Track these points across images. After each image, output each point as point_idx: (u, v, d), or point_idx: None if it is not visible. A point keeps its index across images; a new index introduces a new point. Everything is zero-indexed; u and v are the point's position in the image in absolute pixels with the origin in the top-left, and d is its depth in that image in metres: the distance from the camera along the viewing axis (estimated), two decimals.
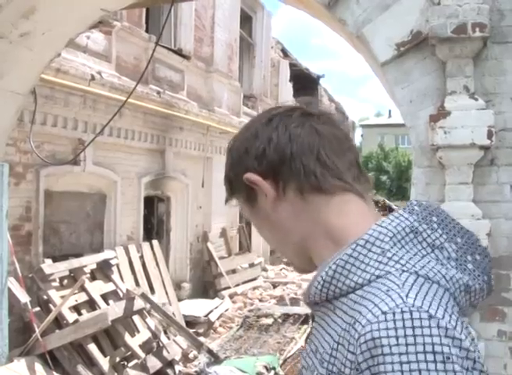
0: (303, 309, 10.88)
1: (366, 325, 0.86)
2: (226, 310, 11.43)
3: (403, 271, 0.95)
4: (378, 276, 0.95)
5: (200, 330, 10.05)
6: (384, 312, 0.86)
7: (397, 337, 0.83)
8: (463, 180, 3.96)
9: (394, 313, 0.85)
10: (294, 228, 1.10)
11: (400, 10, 4.08)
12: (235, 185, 1.15)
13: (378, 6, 4.14)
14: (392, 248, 0.98)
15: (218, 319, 10.84)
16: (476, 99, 3.96)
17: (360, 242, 1.00)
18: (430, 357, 0.81)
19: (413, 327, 0.83)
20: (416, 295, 0.88)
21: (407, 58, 4.10)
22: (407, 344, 0.82)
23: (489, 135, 3.89)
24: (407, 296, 0.88)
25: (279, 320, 10.19)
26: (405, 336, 0.83)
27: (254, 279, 14.25)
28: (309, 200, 1.09)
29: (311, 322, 1.17)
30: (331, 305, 1.03)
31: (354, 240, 1.01)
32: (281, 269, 16.54)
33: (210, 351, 8.18)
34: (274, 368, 7.89)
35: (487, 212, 3.97)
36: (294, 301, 11.93)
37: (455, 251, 1.01)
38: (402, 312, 0.85)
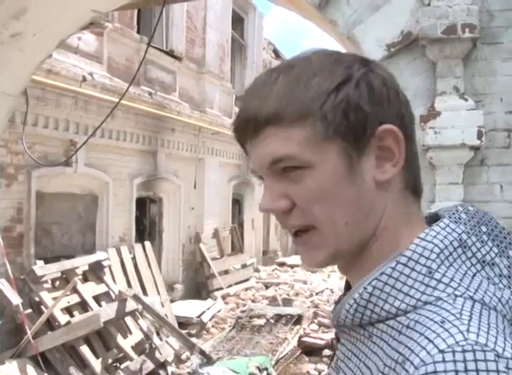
0: (295, 310, 10.90)
1: (420, 366, 0.71)
2: (219, 311, 11.43)
3: (456, 296, 0.80)
4: (425, 302, 0.81)
5: (193, 331, 10.04)
6: (441, 351, 0.71)
7: None
8: (453, 180, 3.99)
9: (454, 353, 0.70)
10: (377, 211, 0.91)
11: (391, 11, 4.11)
12: (352, 130, 0.88)
13: (368, 7, 4.17)
14: (439, 267, 0.83)
15: (210, 320, 10.84)
16: (466, 100, 3.99)
17: (402, 260, 0.85)
18: None
19: (477, 371, 0.69)
20: (478, 329, 0.73)
21: (397, 58, 4.13)
22: None
23: (479, 135, 3.92)
24: (468, 330, 0.73)
25: (272, 321, 10.19)
26: None
27: (247, 280, 14.25)
28: (406, 199, 0.94)
29: (335, 344, 1.01)
30: (365, 332, 0.89)
31: (394, 256, 0.87)
32: (273, 270, 16.56)
33: (202, 352, 8.18)
34: (266, 368, 7.90)
35: None
36: (287, 302, 11.94)
37: (507, 267, 0.87)
38: (463, 351, 0.70)
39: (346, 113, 0.87)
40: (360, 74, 0.89)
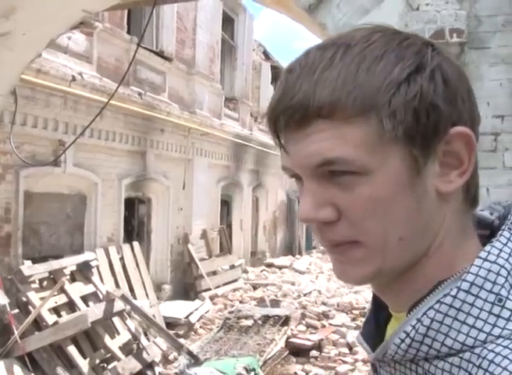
0: (283, 311, 10.91)
1: None
2: (207, 312, 11.43)
3: None
4: (498, 337, 0.69)
5: (181, 332, 10.04)
6: None
7: None
8: None
9: None
10: (434, 227, 0.77)
11: (380, 15, 4.14)
12: (422, 132, 0.73)
13: (358, 11, 4.20)
14: (509, 293, 0.70)
15: (198, 320, 10.84)
16: None
17: (464, 286, 0.71)
18: None
19: None
20: None
21: None
22: None
23: None
24: None
25: (259, 322, 10.20)
26: None
27: (235, 280, 14.26)
28: (464, 214, 0.80)
29: (372, 373, 0.82)
30: (418, 367, 0.76)
31: (452, 280, 0.74)
32: (261, 271, 16.58)
33: (190, 353, 8.18)
34: (254, 369, 7.91)
35: None
36: (274, 303, 11.96)
37: None
38: None
39: (418, 111, 0.72)
40: (435, 63, 0.74)
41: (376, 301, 0.88)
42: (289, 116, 0.74)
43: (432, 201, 0.76)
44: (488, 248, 0.73)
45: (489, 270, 0.71)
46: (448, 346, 0.71)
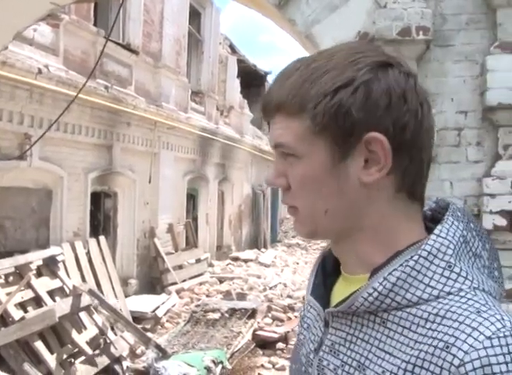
0: (249, 304, 10.99)
1: (470, 351, 0.81)
2: (173, 306, 11.44)
3: (475, 288, 0.91)
4: (448, 293, 0.90)
5: (148, 326, 10.04)
6: (489, 338, 0.82)
7: (507, 363, 0.80)
8: None
9: (499, 338, 0.81)
10: (365, 211, 0.99)
11: (348, 12, 4.22)
12: (340, 132, 0.95)
13: (326, 7, 4.27)
14: (456, 261, 0.92)
15: (165, 314, 10.85)
16: None
17: (423, 254, 0.92)
18: None
19: None
20: (506, 316, 0.86)
21: None
22: None
23: None
24: (502, 319, 0.85)
25: (226, 315, 10.26)
26: None
27: (201, 274, 14.29)
28: (401, 202, 1.00)
29: (323, 328, 1.04)
30: (376, 318, 0.95)
31: (414, 250, 0.95)
32: (227, 265, 16.64)
33: (158, 347, 8.19)
34: (222, 362, 7.97)
35: None
36: (241, 296, 12.02)
37: (487, 258, 0.99)
38: (505, 336, 0.82)
39: (335, 117, 0.93)
40: (362, 80, 0.93)
41: (324, 270, 1.12)
42: (265, 109, 1.03)
43: (356, 187, 0.97)
44: (439, 227, 0.95)
45: (441, 244, 0.93)
46: (407, 299, 0.92)
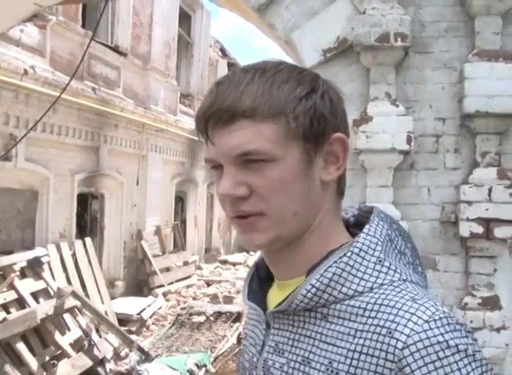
0: (235, 307, 10.99)
1: (412, 334, 0.88)
2: (159, 308, 11.43)
3: (405, 280, 0.99)
4: (381, 285, 0.97)
5: (133, 328, 10.03)
6: (426, 321, 0.89)
7: (446, 341, 0.88)
8: (383, 183, 4.15)
9: (435, 321, 0.89)
10: (318, 212, 1.05)
11: (327, 17, 4.23)
12: (314, 134, 1.00)
13: (306, 13, 4.28)
14: (385, 256, 1.00)
15: (151, 317, 10.84)
16: (397, 106, 4.15)
17: (355, 250, 0.99)
18: (470, 359, 0.88)
19: (454, 330, 0.89)
20: (436, 303, 0.93)
21: (333, 64, 4.26)
22: (450, 346, 0.88)
23: (408, 140, 4.09)
24: (435, 305, 0.92)
25: (212, 318, 10.25)
26: (450, 339, 0.88)
27: (189, 277, 14.27)
28: (337, 203, 1.09)
29: (264, 331, 1.06)
30: (316, 314, 1.00)
31: (346, 247, 1.01)
32: (215, 268, 16.63)
33: (141, 349, 8.18)
34: (205, 365, 7.97)
35: (406, 214, 4.17)
36: (227, 300, 12.03)
37: (410, 255, 1.07)
38: (440, 318, 0.90)
39: (312, 119, 0.99)
40: (324, 88, 1.02)
41: (259, 277, 1.15)
42: (220, 116, 0.98)
43: (317, 187, 1.03)
44: (367, 226, 1.03)
45: (370, 241, 1.01)
46: (344, 293, 0.98)
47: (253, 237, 1.02)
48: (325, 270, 0.98)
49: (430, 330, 0.88)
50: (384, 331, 0.91)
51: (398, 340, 0.89)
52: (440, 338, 0.88)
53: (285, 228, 1.01)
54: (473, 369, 0.88)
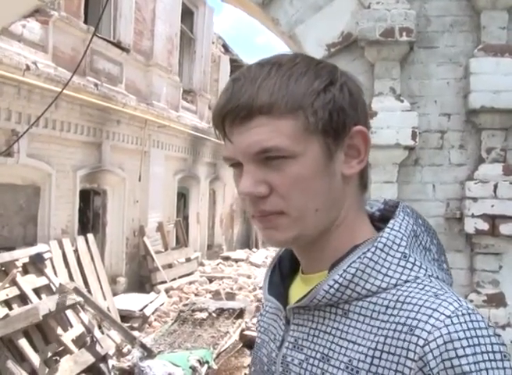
0: (238, 304, 10.98)
1: (433, 331, 0.86)
2: (162, 304, 11.42)
3: (430, 276, 0.97)
4: (406, 281, 0.95)
5: (135, 325, 10.02)
6: (449, 316, 0.87)
7: (467, 339, 0.85)
8: (388, 179, 4.11)
9: (458, 316, 0.87)
10: (341, 207, 1.03)
11: (332, 12, 4.20)
12: (334, 127, 0.98)
13: (310, 7, 4.25)
14: (410, 252, 0.98)
15: (153, 313, 10.82)
16: (402, 101, 4.12)
17: (379, 246, 0.97)
18: (498, 356, 0.86)
19: (478, 328, 0.87)
20: (461, 299, 0.92)
21: (337, 59, 4.21)
22: (475, 345, 0.86)
23: (413, 136, 4.05)
24: (458, 300, 0.90)
25: (214, 315, 10.24)
26: (475, 337, 0.86)
27: (191, 273, 14.27)
28: (360, 197, 1.07)
29: (283, 326, 1.05)
30: (337, 310, 0.99)
31: (370, 243, 0.99)
32: (218, 264, 16.60)
33: (143, 346, 8.17)
34: (207, 362, 7.96)
35: None
36: (230, 296, 12.02)
37: (436, 252, 1.05)
38: (463, 314, 0.87)
39: (331, 112, 0.96)
40: (343, 80, 1.00)
41: (281, 270, 1.14)
42: (237, 114, 0.95)
43: (339, 182, 1.00)
44: (392, 221, 1.01)
45: (395, 236, 0.98)
46: (367, 289, 0.96)
47: (273, 234, 1.01)
48: (349, 266, 0.97)
49: (452, 325, 0.86)
50: (405, 329, 0.89)
51: (419, 337, 0.87)
52: (461, 335, 0.86)
53: (307, 226, 0.99)
54: (494, 369, 0.85)
